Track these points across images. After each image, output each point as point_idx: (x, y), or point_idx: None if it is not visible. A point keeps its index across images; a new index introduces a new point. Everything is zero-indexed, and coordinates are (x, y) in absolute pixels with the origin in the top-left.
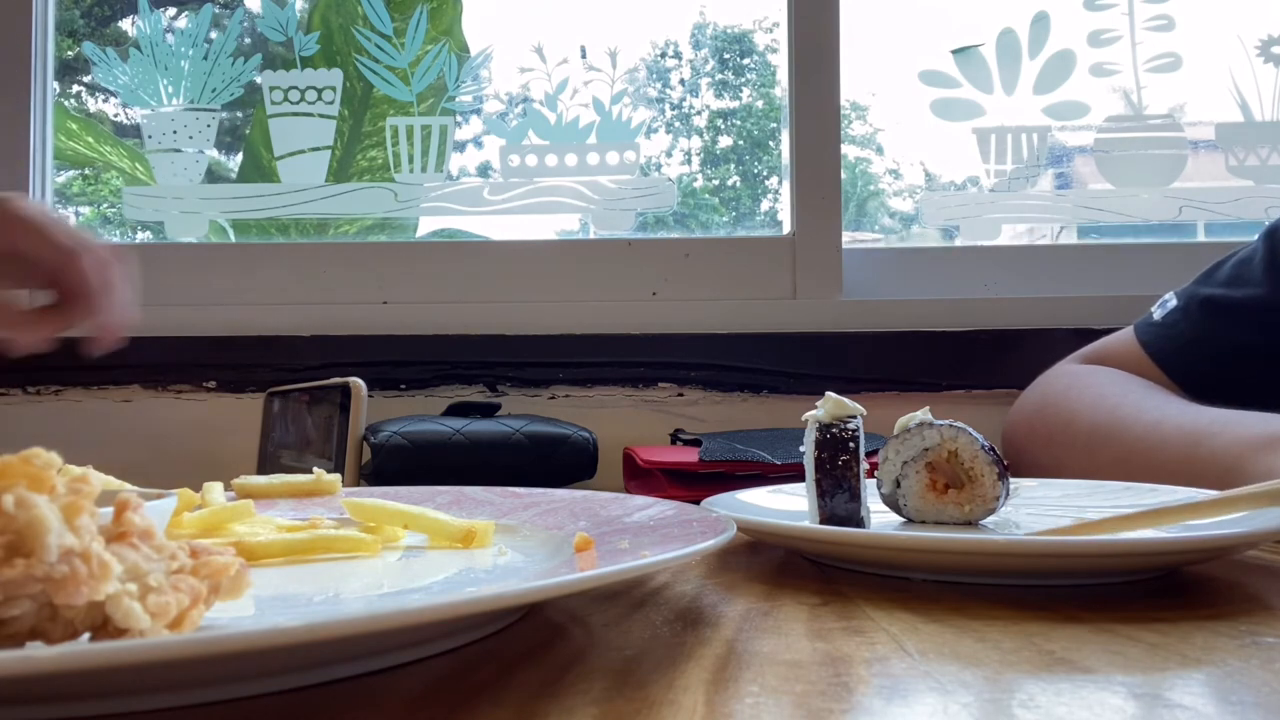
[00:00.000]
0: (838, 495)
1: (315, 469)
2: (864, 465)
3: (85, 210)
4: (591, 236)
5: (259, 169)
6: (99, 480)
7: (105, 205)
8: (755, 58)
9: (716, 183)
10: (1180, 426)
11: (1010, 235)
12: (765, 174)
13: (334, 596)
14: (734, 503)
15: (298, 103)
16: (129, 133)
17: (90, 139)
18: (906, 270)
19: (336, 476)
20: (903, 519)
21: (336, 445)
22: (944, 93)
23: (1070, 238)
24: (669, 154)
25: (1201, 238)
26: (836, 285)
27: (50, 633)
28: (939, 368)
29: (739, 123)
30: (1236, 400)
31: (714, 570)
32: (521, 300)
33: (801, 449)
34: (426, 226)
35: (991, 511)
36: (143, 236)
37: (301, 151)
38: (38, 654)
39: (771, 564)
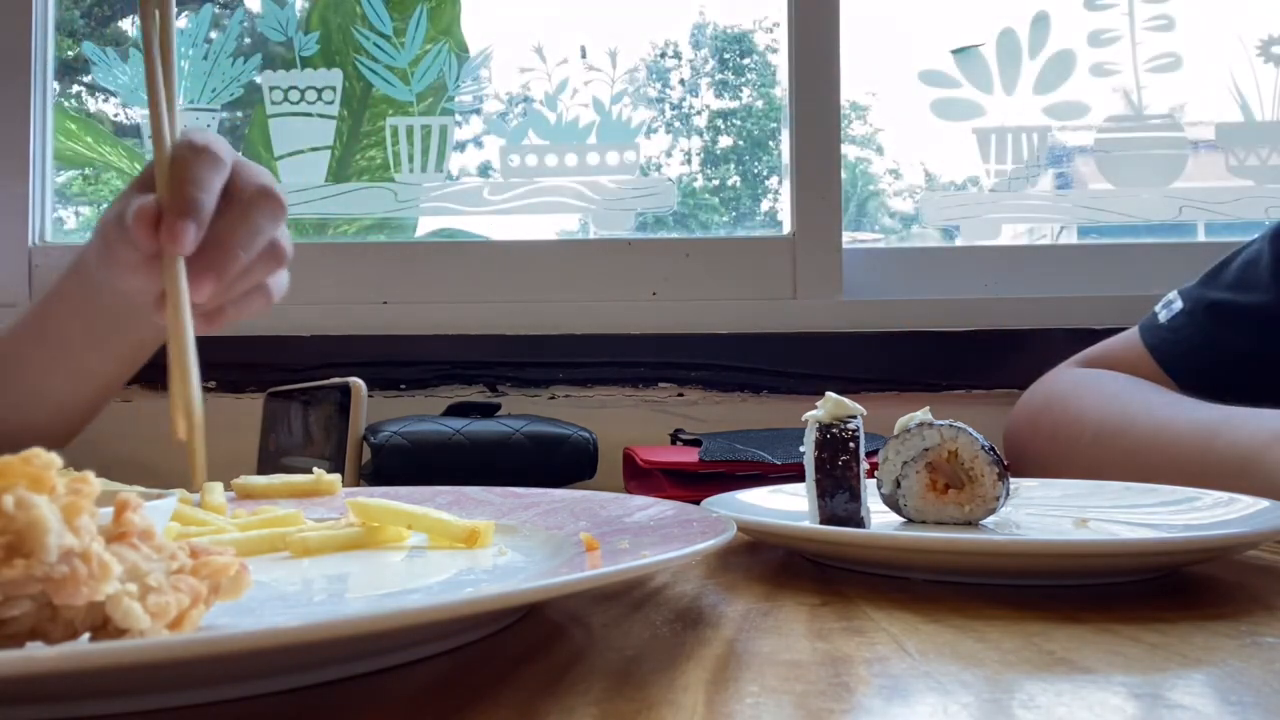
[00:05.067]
0: (838, 495)
1: (315, 469)
2: (864, 465)
3: (85, 210)
4: (591, 236)
5: None
6: (98, 480)
7: (105, 205)
8: (755, 58)
9: (716, 183)
10: (1194, 421)
11: (1010, 235)
12: (765, 174)
13: (334, 596)
14: (734, 503)
15: (297, 103)
16: (129, 133)
17: (90, 139)
18: (906, 270)
19: (336, 477)
20: (903, 519)
21: (336, 445)
22: (944, 93)
23: (1070, 238)
24: (669, 154)
25: (1202, 238)
26: (836, 285)
27: (50, 633)
28: (939, 368)
29: (739, 123)
30: (1244, 405)
31: (714, 570)
32: (521, 300)
33: (801, 449)
34: (426, 226)
35: (991, 511)
36: None
37: (301, 151)
38: (38, 654)
39: (771, 564)
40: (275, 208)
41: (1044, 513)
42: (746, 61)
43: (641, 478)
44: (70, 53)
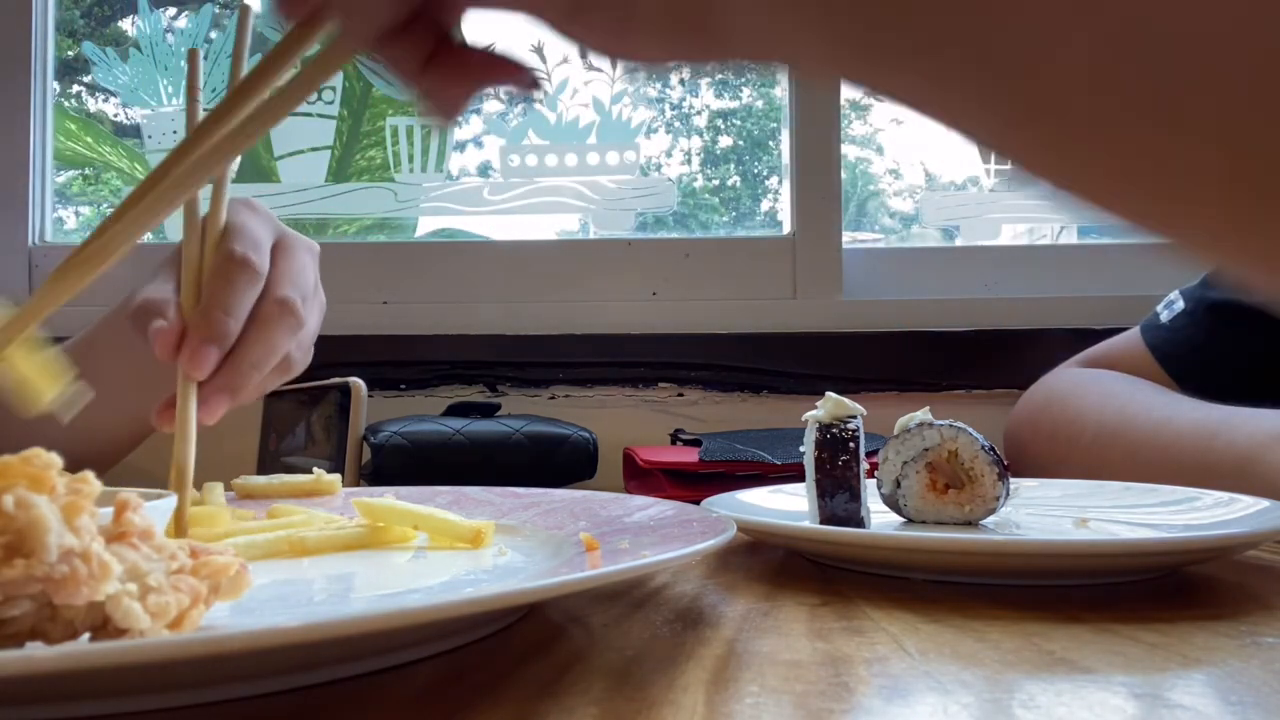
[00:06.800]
0: (838, 495)
1: (315, 469)
2: (864, 465)
3: (85, 210)
4: (591, 236)
5: (258, 169)
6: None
7: (105, 205)
8: None
9: (716, 183)
10: (1194, 421)
11: (1010, 235)
12: (765, 174)
13: (334, 596)
14: (734, 503)
15: None
16: (129, 133)
17: (90, 139)
18: (906, 270)
19: (336, 477)
20: (903, 519)
21: (336, 445)
22: None
23: (1070, 238)
24: (669, 154)
25: None
26: (836, 285)
27: (50, 633)
28: (939, 368)
29: (739, 123)
30: (1244, 405)
31: (714, 570)
32: (521, 300)
33: (801, 449)
34: (426, 226)
35: (991, 511)
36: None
37: (301, 151)
38: (38, 654)
39: (771, 564)
40: (294, 323)
41: (1044, 513)
42: None
43: (641, 478)
44: (70, 53)
